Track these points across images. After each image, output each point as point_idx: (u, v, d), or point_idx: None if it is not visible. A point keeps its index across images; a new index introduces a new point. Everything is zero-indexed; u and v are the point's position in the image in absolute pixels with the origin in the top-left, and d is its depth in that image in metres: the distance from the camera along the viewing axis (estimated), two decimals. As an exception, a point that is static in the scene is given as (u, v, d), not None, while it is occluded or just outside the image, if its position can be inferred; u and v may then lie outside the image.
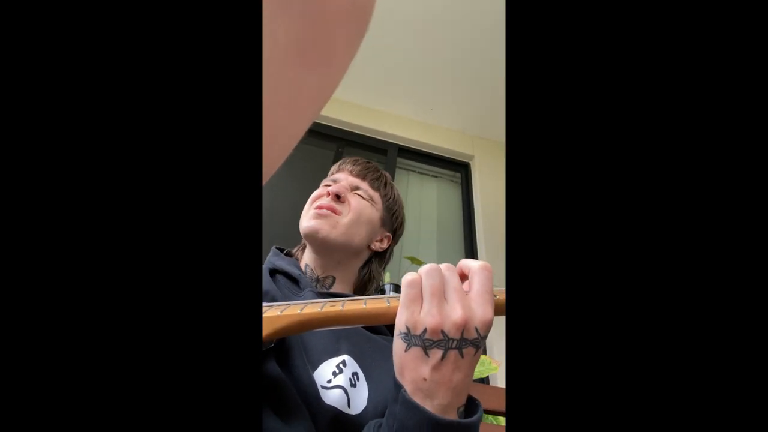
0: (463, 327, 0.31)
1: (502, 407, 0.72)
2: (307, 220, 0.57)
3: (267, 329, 0.35)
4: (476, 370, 1.07)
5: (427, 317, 0.32)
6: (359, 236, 0.59)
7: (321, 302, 0.37)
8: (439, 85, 1.93)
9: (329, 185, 0.61)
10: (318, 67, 0.12)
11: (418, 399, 0.31)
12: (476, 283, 0.34)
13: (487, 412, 0.73)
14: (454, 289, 0.33)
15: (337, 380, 0.41)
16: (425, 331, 0.32)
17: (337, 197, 0.58)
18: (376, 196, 0.63)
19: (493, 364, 1.06)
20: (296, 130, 0.14)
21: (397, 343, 0.33)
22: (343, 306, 0.36)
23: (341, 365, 0.43)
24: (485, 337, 0.33)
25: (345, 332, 0.47)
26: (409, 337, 0.32)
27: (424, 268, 0.35)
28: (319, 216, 0.56)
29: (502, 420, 0.85)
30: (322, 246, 0.56)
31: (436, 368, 0.31)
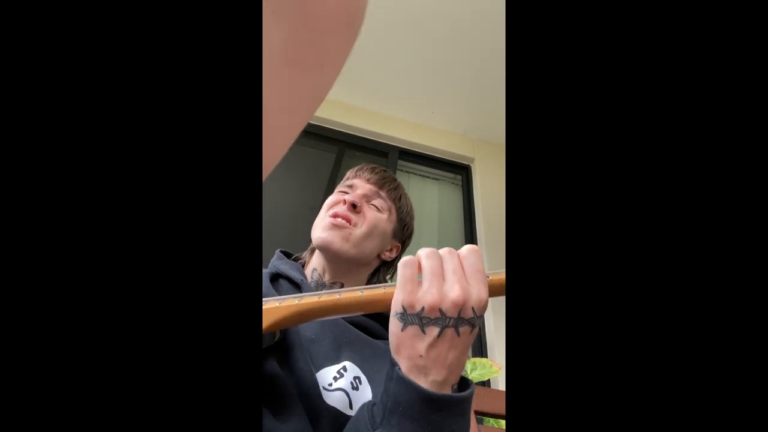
0: (461, 306, 0.32)
1: (503, 410, 0.71)
2: (320, 231, 0.56)
3: (266, 321, 0.35)
4: (477, 373, 1.07)
5: (426, 295, 0.32)
6: (371, 248, 0.59)
7: (318, 293, 0.37)
8: (440, 88, 1.93)
9: (345, 192, 0.61)
10: (311, 70, 0.13)
11: (413, 376, 0.32)
12: (467, 265, 0.34)
13: (488, 415, 0.73)
14: (453, 270, 0.34)
15: (339, 383, 0.41)
16: (423, 309, 0.32)
17: (353, 206, 0.58)
18: (391, 207, 0.63)
19: (495, 368, 1.06)
20: (291, 131, 0.14)
21: (394, 323, 0.33)
22: (340, 295, 0.36)
23: (342, 371, 0.43)
24: (481, 316, 0.33)
25: (345, 339, 0.47)
26: (405, 316, 0.33)
27: (423, 250, 0.36)
28: (333, 227, 0.56)
29: (503, 423, 0.85)
30: (335, 257, 0.56)
31: (432, 345, 0.32)
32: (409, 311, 0.32)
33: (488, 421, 0.83)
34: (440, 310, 0.32)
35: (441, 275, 0.34)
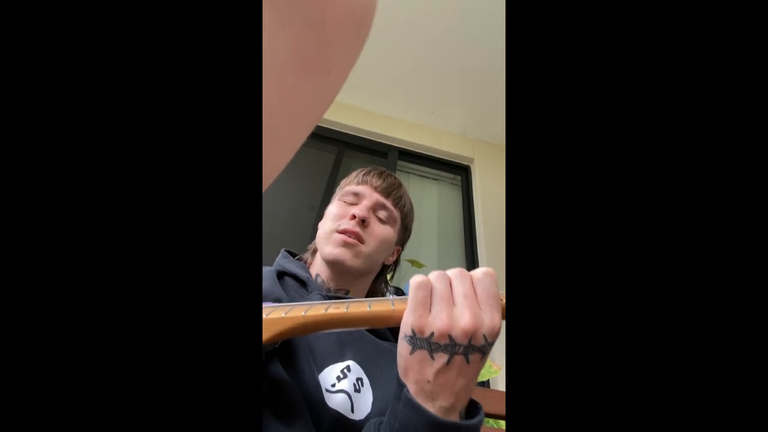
0: (472, 334, 0.31)
1: (503, 411, 0.71)
2: (331, 248, 0.55)
3: (271, 331, 0.35)
4: (477, 373, 1.07)
5: (436, 321, 0.32)
6: (379, 261, 0.59)
7: (325, 304, 0.37)
8: (439, 88, 1.93)
9: (352, 203, 0.60)
10: (318, 76, 0.13)
11: (420, 400, 0.31)
12: (480, 289, 0.33)
13: (488, 415, 0.73)
14: (464, 295, 0.33)
15: (341, 385, 0.41)
16: (432, 334, 0.31)
17: (362, 221, 0.57)
18: (397, 216, 0.63)
19: (494, 368, 1.06)
20: (298, 136, 0.14)
21: (402, 346, 0.33)
22: (347, 308, 0.36)
23: (345, 370, 0.43)
24: (493, 343, 0.32)
25: (351, 338, 0.47)
26: (414, 340, 0.32)
27: (433, 273, 0.35)
28: (344, 244, 0.55)
29: (503, 423, 0.85)
30: (345, 272, 0.56)
31: (440, 372, 0.31)
32: (418, 335, 0.32)
33: (488, 422, 0.83)
34: (450, 337, 0.31)
35: (450, 299, 0.33)
